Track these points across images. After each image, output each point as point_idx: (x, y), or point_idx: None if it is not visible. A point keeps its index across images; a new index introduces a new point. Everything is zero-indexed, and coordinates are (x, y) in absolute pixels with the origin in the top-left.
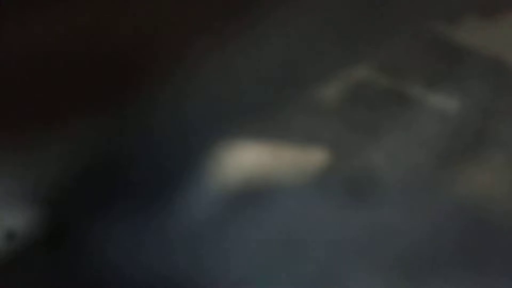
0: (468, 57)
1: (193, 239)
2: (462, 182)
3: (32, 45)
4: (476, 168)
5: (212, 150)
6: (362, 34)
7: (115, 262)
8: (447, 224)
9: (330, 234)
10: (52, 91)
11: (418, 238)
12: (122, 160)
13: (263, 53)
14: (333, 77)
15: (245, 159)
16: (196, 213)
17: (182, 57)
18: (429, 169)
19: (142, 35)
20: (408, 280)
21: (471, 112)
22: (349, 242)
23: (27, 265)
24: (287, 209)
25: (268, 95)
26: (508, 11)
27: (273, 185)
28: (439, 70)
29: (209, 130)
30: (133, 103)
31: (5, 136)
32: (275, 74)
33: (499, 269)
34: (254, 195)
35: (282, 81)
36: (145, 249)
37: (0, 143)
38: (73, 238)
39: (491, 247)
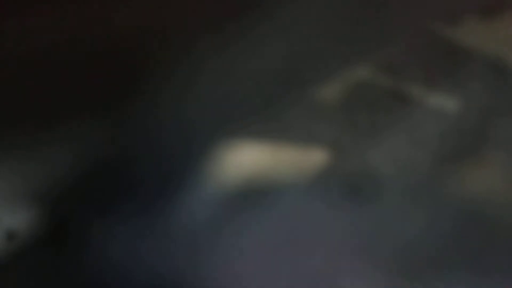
0: (468, 57)
1: (193, 238)
2: (462, 182)
3: (33, 44)
4: (476, 168)
5: (212, 150)
6: (362, 34)
7: (116, 262)
8: (447, 224)
9: (330, 234)
10: (53, 91)
11: (417, 238)
12: (123, 160)
13: (264, 53)
14: (333, 77)
15: (245, 159)
16: (197, 213)
17: (183, 58)
18: (429, 169)
19: (143, 36)
20: (408, 280)
21: (471, 112)
22: (349, 241)
23: (27, 265)
24: (287, 209)
25: (269, 95)
26: (508, 11)
27: (273, 185)
28: (439, 70)
29: (210, 130)
30: (134, 103)
31: (5, 136)
32: (275, 74)
33: (499, 268)
34: (254, 195)
35: (282, 81)
36: (146, 249)
37: (0, 143)
38: (73, 238)
39: (491, 247)
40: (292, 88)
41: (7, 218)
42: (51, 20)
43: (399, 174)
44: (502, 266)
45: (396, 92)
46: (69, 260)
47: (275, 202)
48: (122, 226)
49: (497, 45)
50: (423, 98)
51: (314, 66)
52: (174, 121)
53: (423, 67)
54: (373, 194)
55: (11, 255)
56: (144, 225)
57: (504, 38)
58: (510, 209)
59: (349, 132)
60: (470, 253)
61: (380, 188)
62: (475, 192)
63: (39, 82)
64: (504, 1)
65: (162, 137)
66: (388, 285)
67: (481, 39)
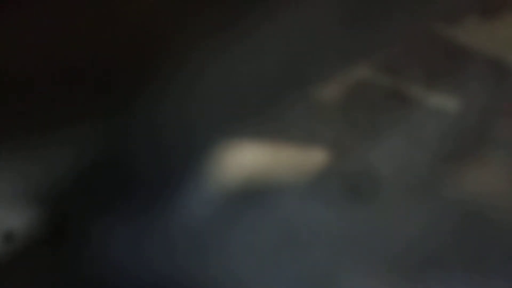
0: (468, 57)
1: (193, 238)
2: (462, 182)
3: (33, 45)
4: (476, 168)
5: (212, 150)
6: (362, 34)
7: (116, 262)
8: (447, 224)
9: (330, 234)
10: (53, 91)
11: (417, 238)
12: (123, 160)
13: (264, 53)
14: (333, 77)
15: (245, 159)
16: (197, 212)
17: (184, 58)
18: (429, 169)
19: (145, 37)
20: (408, 280)
21: (471, 112)
22: (349, 242)
23: (27, 265)
24: (287, 209)
25: (269, 95)
26: (508, 11)
27: (273, 185)
28: (439, 70)
29: (210, 130)
30: (134, 103)
31: (5, 137)
32: (275, 74)
33: (498, 268)
34: (254, 195)
35: (282, 82)
36: (147, 249)
37: (1, 144)
38: (73, 238)
39: (491, 247)
40: (292, 88)
41: (7, 218)
42: (52, 22)
43: (399, 174)
44: (502, 266)
45: (396, 92)
46: (69, 260)
47: (275, 202)
48: (122, 226)
49: (497, 45)
50: (423, 98)
51: (314, 66)
52: (174, 121)
53: (423, 67)
54: (373, 194)
55: (10, 255)
56: (144, 224)
57: (504, 38)
58: (510, 210)
59: (349, 132)
60: (470, 253)
61: (380, 188)
62: (475, 192)
63: (39, 83)
64: (504, 1)
65: (162, 137)
66: (388, 285)
67: (481, 39)
